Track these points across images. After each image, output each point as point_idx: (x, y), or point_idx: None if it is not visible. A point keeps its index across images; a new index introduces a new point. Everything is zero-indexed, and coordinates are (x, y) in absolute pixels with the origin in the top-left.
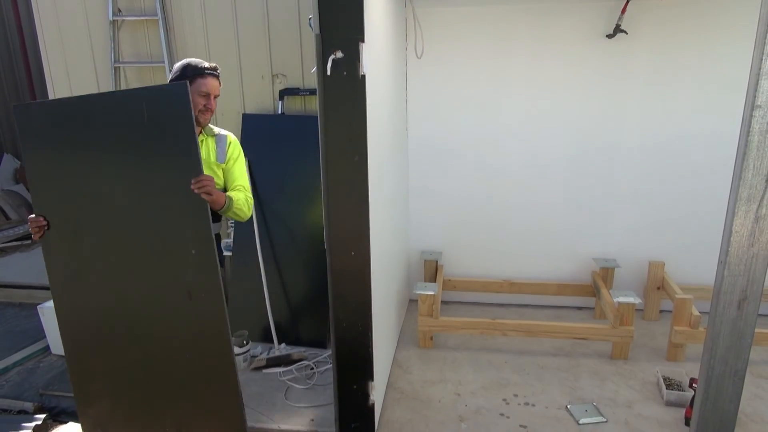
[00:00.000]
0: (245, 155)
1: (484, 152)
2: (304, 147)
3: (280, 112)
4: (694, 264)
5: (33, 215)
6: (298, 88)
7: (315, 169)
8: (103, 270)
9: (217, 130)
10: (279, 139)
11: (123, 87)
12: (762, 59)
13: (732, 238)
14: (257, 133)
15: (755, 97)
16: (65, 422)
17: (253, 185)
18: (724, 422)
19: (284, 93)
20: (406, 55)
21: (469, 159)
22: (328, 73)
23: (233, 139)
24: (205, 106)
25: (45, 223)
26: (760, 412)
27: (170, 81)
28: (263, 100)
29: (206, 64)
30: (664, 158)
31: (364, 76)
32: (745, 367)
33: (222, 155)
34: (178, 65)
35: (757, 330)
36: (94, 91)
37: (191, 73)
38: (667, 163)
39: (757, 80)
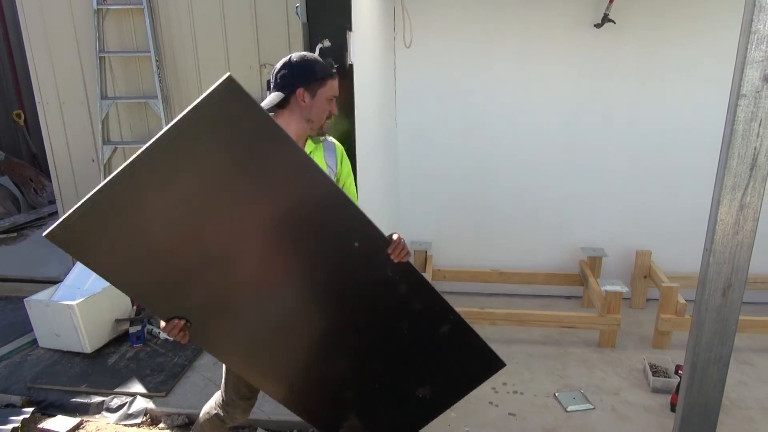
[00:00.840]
0: None
1: (474, 142)
2: None
3: None
4: (680, 252)
5: (164, 323)
6: None
7: None
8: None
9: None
10: None
11: (108, 77)
12: (747, 48)
13: (717, 227)
14: None
15: (740, 86)
16: (53, 415)
17: None
18: (709, 408)
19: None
20: (395, 45)
21: (459, 149)
22: None
23: (342, 149)
24: (330, 112)
25: (182, 323)
26: (744, 397)
27: (290, 81)
28: (251, 90)
29: (329, 60)
30: (651, 148)
31: (351, 65)
32: (730, 354)
33: (333, 167)
34: (298, 60)
35: (741, 317)
36: (78, 80)
37: (321, 73)
38: (654, 153)
39: (743, 69)
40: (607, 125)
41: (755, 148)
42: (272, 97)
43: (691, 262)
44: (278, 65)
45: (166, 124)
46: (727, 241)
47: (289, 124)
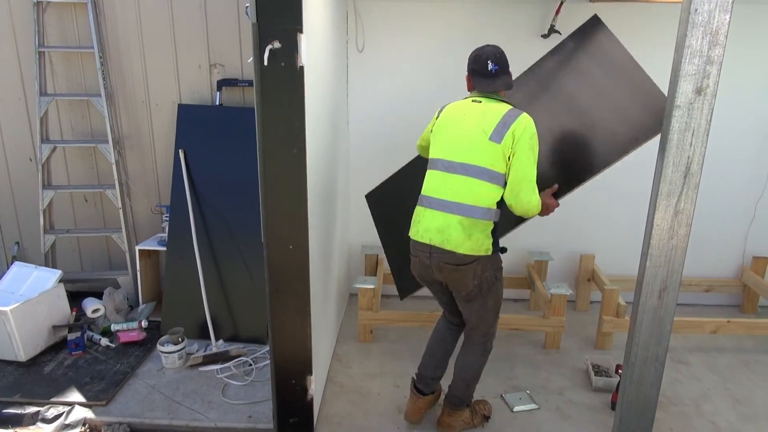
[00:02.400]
0: (182, 146)
1: None
2: (243, 139)
3: (218, 103)
4: (621, 256)
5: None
6: (236, 79)
7: (254, 162)
8: None
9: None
10: (217, 131)
11: (48, 73)
12: (681, 62)
13: (654, 231)
14: (194, 125)
15: (675, 97)
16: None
17: (190, 178)
18: (647, 405)
19: (222, 83)
20: (348, 48)
21: (410, 154)
22: (265, 63)
23: (528, 122)
24: None
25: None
26: (679, 395)
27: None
28: (200, 90)
29: None
30: None
31: (302, 68)
32: (665, 353)
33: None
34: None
35: (675, 318)
36: (16, 76)
37: None
38: None
39: (677, 81)
40: None
41: (689, 157)
42: (508, 80)
43: (631, 265)
44: (497, 51)
45: (110, 123)
46: (662, 245)
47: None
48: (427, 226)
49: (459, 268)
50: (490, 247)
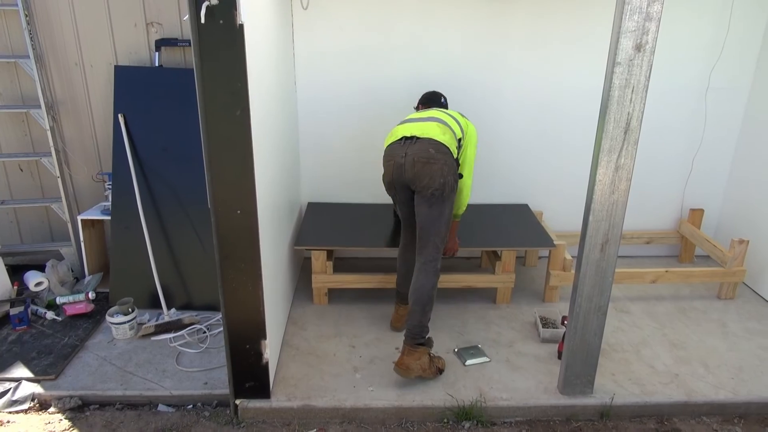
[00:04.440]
0: (122, 111)
1: (372, 105)
2: (185, 102)
3: (157, 64)
4: (567, 212)
5: None
6: (176, 39)
7: (197, 126)
8: None
9: None
10: (158, 94)
11: None
12: (622, 18)
13: (596, 187)
14: (133, 88)
15: (616, 54)
16: None
17: (131, 143)
18: (590, 353)
19: (161, 43)
20: (292, 6)
21: (358, 112)
22: (202, 21)
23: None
24: None
25: None
26: (621, 342)
27: None
28: (138, 50)
29: None
30: (540, 113)
31: (242, 26)
32: (608, 303)
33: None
34: None
35: (617, 269)
36: None
37: None
38: (543, 118)
39: (618, 38)
40: (500, 89)
41: (628, 113)
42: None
43: (576, 220)
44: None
45: (42, 87)
46: (604, 200)
47: None
48: (404, 132)
49: (432, 160)
50: (456, 153)
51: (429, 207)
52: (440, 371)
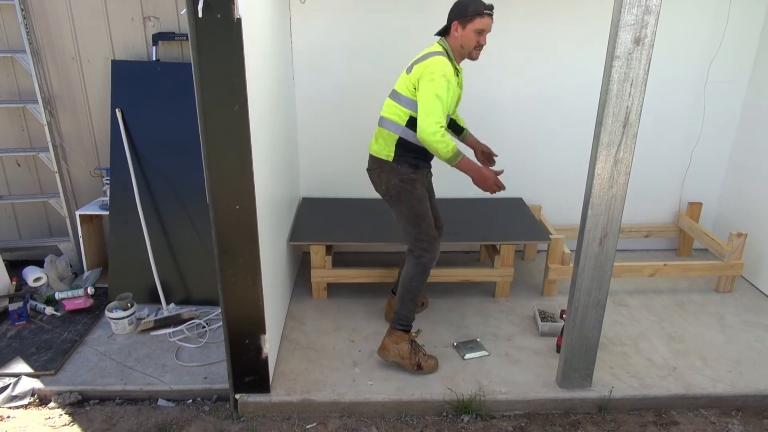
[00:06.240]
0: (119, 105)
1: (371, 102)
2: (183, 96)
3: (154, 58)
4: (566, 206)
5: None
6: (173, 33)
7: (195, 120)
8: None
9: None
10: (155, 88)
11: None
12: (621, 11)
13: (595, 181)
14: (131, 82)
15: (615, 48)
16: None
17: (129, 138)
18: (589, 346)
19: (158, 38)
20: (290, 1)
21: (357, 108)
22: (200, 15)
23: (434, 61)
24: (478, 42)
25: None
26: (619, 335)
27: (450, 15)
28: (135, 45)
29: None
30: (539, 109)
31: (240, 20)
32: (606, 297)
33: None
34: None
35: (615, 263)
36: None
37: (471, 12)
38: (542, 113)
39: (617, 32)
40: (498, 84)
41: (627, 107)
42: (447, 26)
43: (576, 215)
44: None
45: (39, 81)
46: (603, 194)
47: (452, 47)
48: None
49: (370, 170)
50: (392, 155)
51: (390, 208)
52: (419, 367)
